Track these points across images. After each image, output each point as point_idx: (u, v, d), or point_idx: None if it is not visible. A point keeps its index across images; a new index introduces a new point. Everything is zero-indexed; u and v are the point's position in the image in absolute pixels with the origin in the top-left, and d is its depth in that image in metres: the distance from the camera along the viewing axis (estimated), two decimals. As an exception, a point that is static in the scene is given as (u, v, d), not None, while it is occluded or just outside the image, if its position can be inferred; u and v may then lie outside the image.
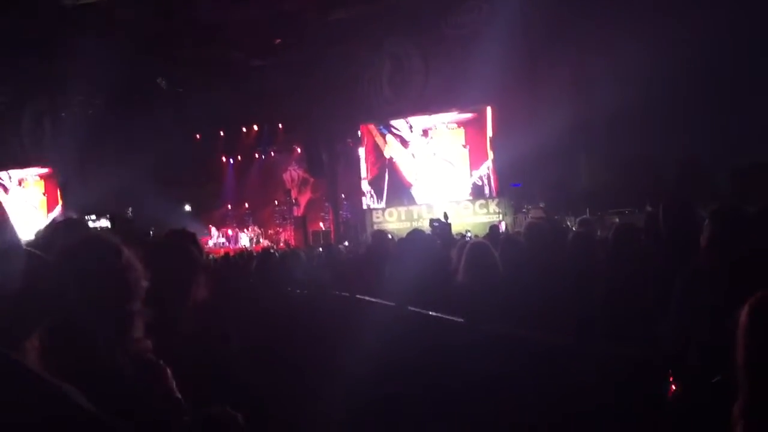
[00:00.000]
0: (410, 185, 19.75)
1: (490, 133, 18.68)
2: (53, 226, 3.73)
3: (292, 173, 23.29)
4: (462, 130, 19.24)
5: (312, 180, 22.78)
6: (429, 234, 6.26)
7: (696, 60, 13.59)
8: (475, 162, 19.04)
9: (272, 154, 23.38)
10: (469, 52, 16.70)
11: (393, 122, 20.00)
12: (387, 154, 20.11)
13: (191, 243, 3.36)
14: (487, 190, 18.86)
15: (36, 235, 2.77)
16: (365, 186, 20.46)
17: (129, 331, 1.81)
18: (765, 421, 1.55)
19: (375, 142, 20.39)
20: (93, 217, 15.49)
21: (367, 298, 4.48)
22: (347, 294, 4.92)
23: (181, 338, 2.31)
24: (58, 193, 22.24)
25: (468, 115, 19.06)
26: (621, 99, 13.64)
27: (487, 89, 16.63)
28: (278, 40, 19.19)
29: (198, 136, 23.31)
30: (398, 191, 19.91)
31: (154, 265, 2.54)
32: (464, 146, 19.23)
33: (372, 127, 20.36)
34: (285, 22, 17.49)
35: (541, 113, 16.15)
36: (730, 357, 1.74)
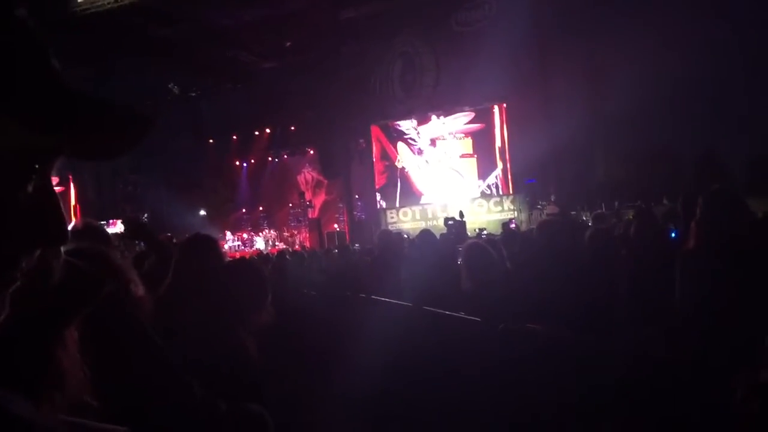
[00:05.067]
0: (421, 194, 19.64)
1: (498, 142, 18.50)
2: (74, 231, 3.73)
3: (306, 175, 23.29)
4: (469, 140, 19.02)
5: (326, 182, 22.76)
6: (438, 236, 6.19)
7: (711, 51, 13.42)
8: (483, 172, 18.81)
9: (285, 156, 23.39)
10: (480, 48, 16.54)
11: (404, 129, 19.84)
12: (399, 164, 19.96)
13: (212, 247, 3.37)
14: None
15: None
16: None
17: None
18: None
19: (383, 149, 20.24)
20: (107, 222, 15.53)
21: (382, 298, 4.44)
22: (363, 294, 4.89)
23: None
24: (73, 199, 22.29)
25: (476, 125, 18.85)
26: (635, 91, 13.48)
27: (498, 85, 16.48)
28: (289, 43, 19.19)
29: (211, 140, 23.43)
30: (409, 200, 19.82)
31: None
32: (472, 156, 19.03)
33: (381, 134, 20.23)
34: (295, 23, 17.49)
35: (554, 108, 16.03)
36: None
